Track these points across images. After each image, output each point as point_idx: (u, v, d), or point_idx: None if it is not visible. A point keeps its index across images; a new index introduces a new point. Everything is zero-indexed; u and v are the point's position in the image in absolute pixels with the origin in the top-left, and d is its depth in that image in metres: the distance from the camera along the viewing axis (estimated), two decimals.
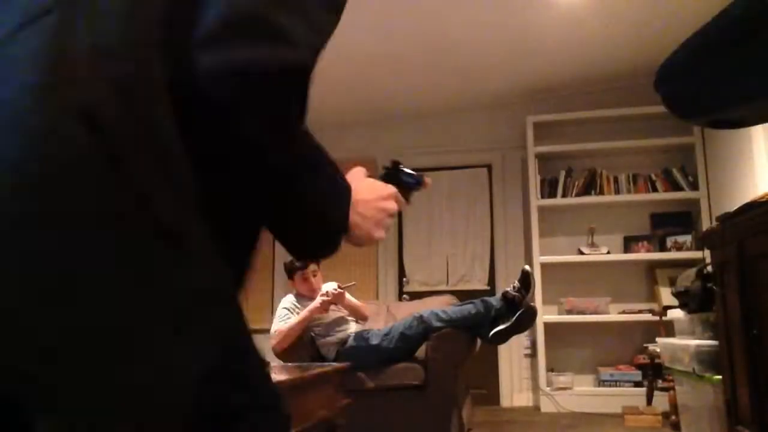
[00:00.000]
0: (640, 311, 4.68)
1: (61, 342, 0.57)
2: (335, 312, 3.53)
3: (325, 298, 3.38)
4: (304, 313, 3.39)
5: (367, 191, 0.87)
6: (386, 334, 3.33)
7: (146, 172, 0.60)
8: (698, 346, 2.76)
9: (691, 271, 3.09)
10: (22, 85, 0.58)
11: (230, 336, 0.76)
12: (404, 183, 1.05)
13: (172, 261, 0.62)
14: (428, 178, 1.09)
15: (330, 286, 3.70)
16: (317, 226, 0.81)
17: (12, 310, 0.56)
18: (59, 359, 0.57)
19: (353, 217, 0.83)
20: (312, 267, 3.56)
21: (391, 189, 0.91)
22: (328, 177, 0.81)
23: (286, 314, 3.45)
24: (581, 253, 4.88)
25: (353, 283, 3.61)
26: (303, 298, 3.55)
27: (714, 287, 2.67)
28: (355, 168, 0.90)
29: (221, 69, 0.62)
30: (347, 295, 3.56)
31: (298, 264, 3.50)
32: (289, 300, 3.54)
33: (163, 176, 0.61)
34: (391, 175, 1.06)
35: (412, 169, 1.10)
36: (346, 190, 0.83)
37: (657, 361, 3.86)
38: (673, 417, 3.66)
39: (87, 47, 0.61)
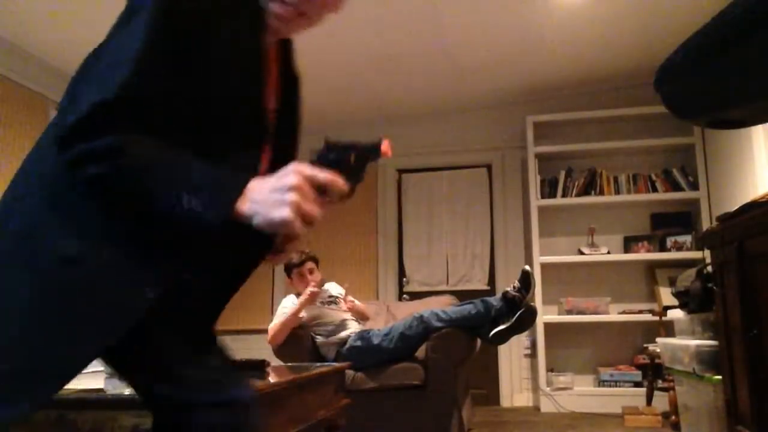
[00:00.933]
0: (640, 311, 4.68)
1: None
2: (336, 312, 3.54)
3: (313, 288, 3.41)
4: (296, 306, 3.40)
5: (267, 178, 0.90)
6: (386, 334, 3.33)
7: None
8: (698, 346, 2.76)
9: (691, 271, 3.09)
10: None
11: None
12: (334, 161, 0.95)
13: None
14: (385, 145, 0.99)
15: (332, 287, 3.72)
16: (192, 224, 0.88)
17: None
18: None
19: (247, 206, 0.87)
20: (309, 264, 3.59)
21: (290, 166, 0.90)
22: (193, 184, 0.89)
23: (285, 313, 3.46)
24: (581, 253, 4.88)
25: (347, 285, 3.74)
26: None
27: (714, 287, 2.67)
28: None
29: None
30: (350, 298, 3.65)
31: (294, 261, 3.54)
32: (290, 300, 3.55)
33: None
34: (317, 160, 0.97)
35: (373, 145, 0.97)
36: (227, 186, 0.89)
37: (657, 361, 3.86)
38: (673, 417, 3.67)
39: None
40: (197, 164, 0.92)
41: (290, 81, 1.22)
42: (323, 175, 0.90)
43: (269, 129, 1.12)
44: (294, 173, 0.88)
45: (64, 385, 0.92)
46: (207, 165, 0.92)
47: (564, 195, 4.91)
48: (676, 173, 4.78)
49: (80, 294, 0.92)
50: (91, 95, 0.90)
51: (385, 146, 0.96)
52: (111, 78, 0.91)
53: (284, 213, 0.86)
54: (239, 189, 0.88)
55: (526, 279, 3.19)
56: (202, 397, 0.97)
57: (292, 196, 0.86)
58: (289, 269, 3.60)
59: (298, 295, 3.57)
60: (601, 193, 4.88)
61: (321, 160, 0.95)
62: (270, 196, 0.87)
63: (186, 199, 0.87)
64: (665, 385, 4.00)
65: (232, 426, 0.97)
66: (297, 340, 3.44)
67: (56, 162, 0.95)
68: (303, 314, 3.47)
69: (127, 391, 1.55)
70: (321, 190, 0.91)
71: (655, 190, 4.82)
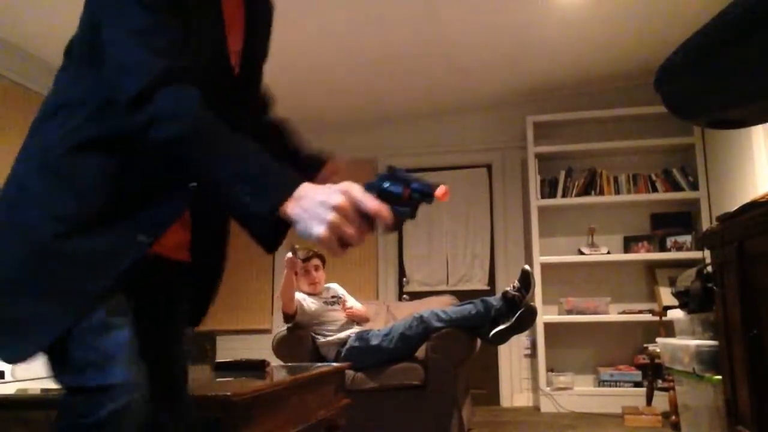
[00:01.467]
0: (640, 311, 4.67)
1: None
2: (338, 313, 3.55)
3: (290, 255, 3.40)
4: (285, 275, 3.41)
5: (319, 188, 0.89)
6: (386, 335, 3.33)
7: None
8: (698, 346, 2.76)
9: (691, 271, 3.09)
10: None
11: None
12: (388, 192, 0.90)
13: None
14: (440, 190, 0.91)
15: (335, 287, 3.72)
16: (239, 212, 0.93)
17: None
18: None
19: (294, 211, 0.87)
20: (315, 261, 3.59)
21: (341, 185, 0.89)
22: (249, 170, 0.91)
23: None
24: (581, 253, 4.88)
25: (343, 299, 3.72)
26: (305, 294, 3.58)
27: (714, 287, 2.67)
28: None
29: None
30: (350, 303, 3.64)
31: (300, 256, 3.52)
32: (296, 295, 3.54)
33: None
34: (372, 184, 0.92)
35: (420, 180, 0.92)
36: (281, 184, 0.90)
37: (657, 361, 3.86)
38: (673, 417, 3.67)
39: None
40: (254, 147, 0.95)
41: (257, 18, 1.24)
42: (372, 203, 0.88)
43: (234, 74, 1.17)
44: (342, 193, 0.87)
45: (62, 330, 0.94)
46: (263, 151, 0.94)
47: (564, 195, 4.91)
48: (676, 173, 4.78)
49: (73, 244, 0.97)
50: (148, 61, 0.94)
51: (440, 191, 0.91)
52: (155, 42, 0.96)
53: (321, 231, 0.86)
54: (290, 189, 0.89)
55: (525, 279, 3.19)
56: (88, 380, 0.94)
57: (333, 216, 0.86)
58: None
59: (302, 292, 3.58)
60: (601, 193, 4.87)
61: (376, 186, 0.92)
62: (315, 208, 0.86)
63: (241, 185, 0.90)
64: (665, 385, 4.00)
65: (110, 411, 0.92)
66: (297, 340, 3.44)
67: (51, 130, 1.06)
68: (313, 304, 3.48)
69: None
70: (367, 216, 0.88)
71: (655, 190, 4.82)
